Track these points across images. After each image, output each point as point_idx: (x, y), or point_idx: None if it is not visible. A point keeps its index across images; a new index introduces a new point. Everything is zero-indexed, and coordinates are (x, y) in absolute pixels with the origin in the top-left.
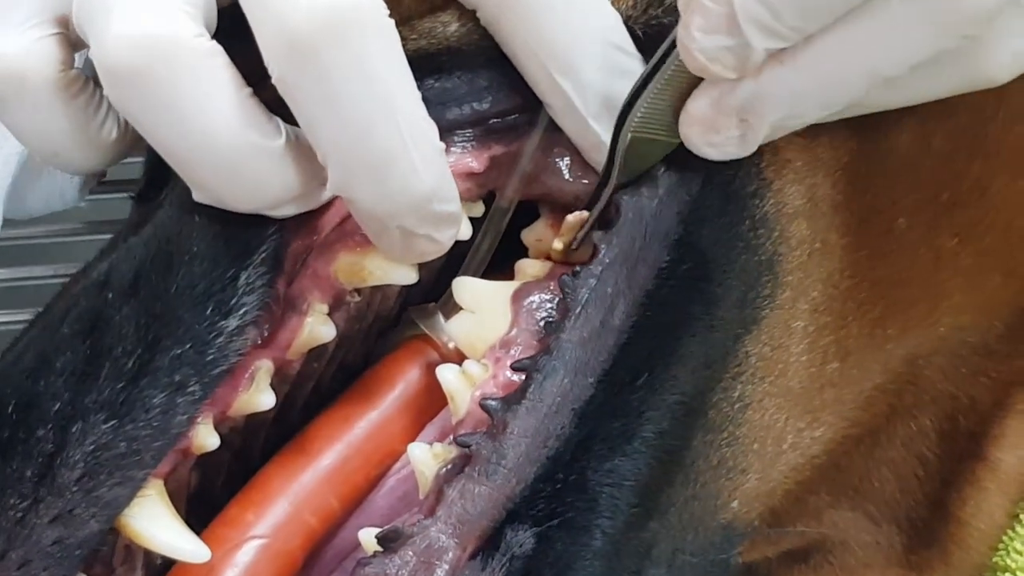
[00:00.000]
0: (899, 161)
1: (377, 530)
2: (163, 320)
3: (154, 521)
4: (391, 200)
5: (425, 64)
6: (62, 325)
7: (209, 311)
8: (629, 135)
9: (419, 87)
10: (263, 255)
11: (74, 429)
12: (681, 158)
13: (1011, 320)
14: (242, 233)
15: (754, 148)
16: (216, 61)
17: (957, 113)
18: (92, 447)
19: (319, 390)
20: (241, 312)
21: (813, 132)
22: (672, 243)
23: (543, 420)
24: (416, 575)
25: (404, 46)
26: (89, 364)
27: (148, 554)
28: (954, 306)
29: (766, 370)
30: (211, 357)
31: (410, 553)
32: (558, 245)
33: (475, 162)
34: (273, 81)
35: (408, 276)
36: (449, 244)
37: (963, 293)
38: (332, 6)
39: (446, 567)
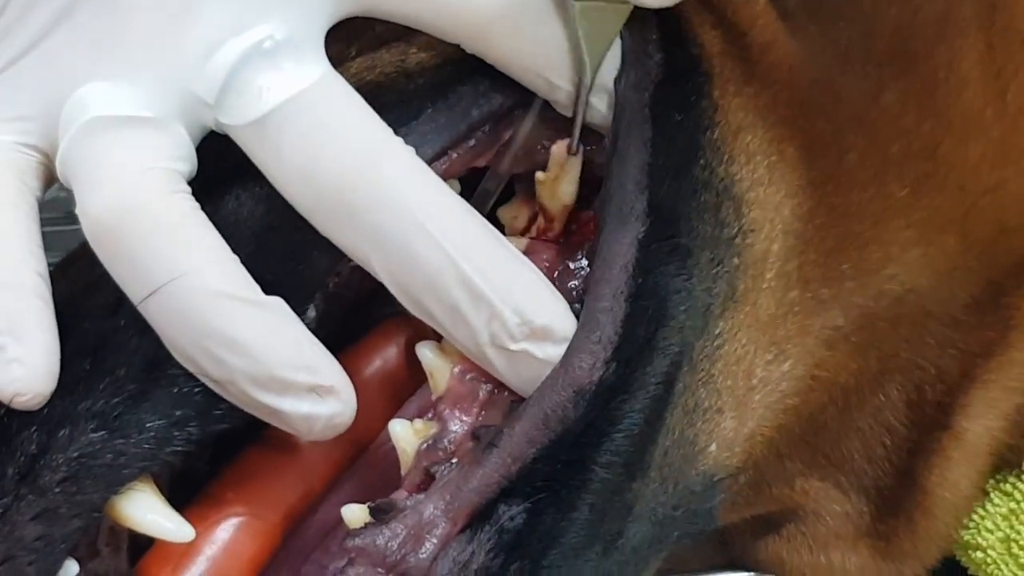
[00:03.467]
0: (849, 107)
1: (359, 506)
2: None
3: (139, 503)
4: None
5: (433, 78)
6: (63, 344)
7: None
8: (575, 4)
9: (440, 100)
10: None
11: (61, 434)
12: (624, 128)
13: (975, 291)
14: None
15: None
16: (188, 220)
17: (908, 74)
18: (77, 454)
19: None
20: None
21: (753, 54)
22: (641, 212)
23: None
24: (405, 547)
25: (405, 60)
26: (89, 378)
27: (133, 532)
28: (910, 262)
29: (745, 300)
30: (220, 411)
31: (400, 526)
32: (541, 176)
33: (483, 159)
34: None
35: None
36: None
37: (918, 249)
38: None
39: (435, 541)
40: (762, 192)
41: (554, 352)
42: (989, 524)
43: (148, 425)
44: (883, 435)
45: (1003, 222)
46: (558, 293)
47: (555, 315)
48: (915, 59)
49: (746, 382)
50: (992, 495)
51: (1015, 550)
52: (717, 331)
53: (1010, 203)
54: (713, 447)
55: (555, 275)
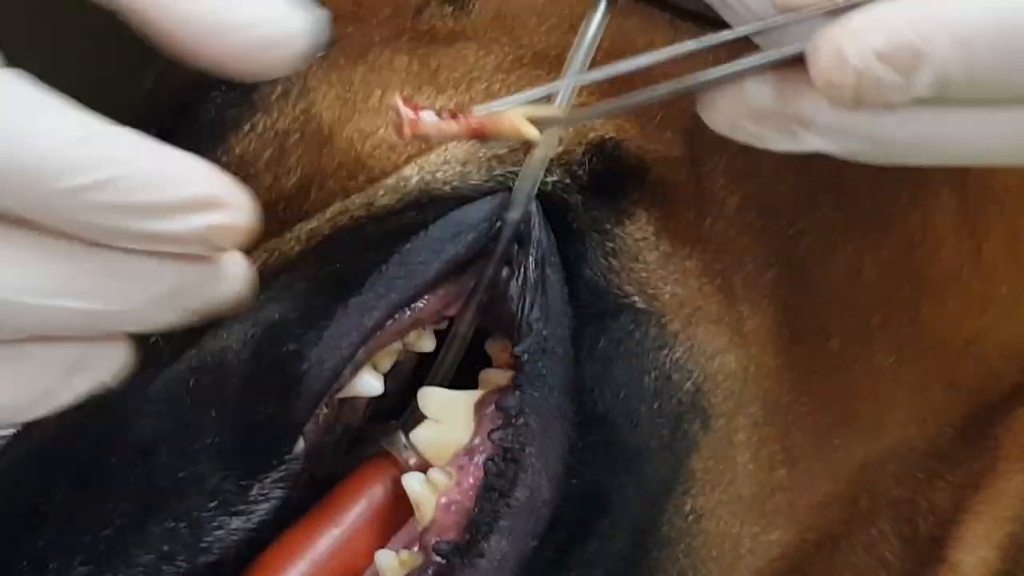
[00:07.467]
0: (829, 291)
1: None
2: (168, 495)
3: None
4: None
5: (397, 222)
6: (56, 473)
7: (214, 505)
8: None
9: (403, 245)
10: (283, 472)
11: (50, 567)
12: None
13: (961, 426)
14: (264, 435)
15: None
16: None
17: (886, 243)
18: None
19: (290, 504)
20: (247, 516)
21: (724, 267)
22: (575, 422)
23: None
24: None
25: (372, 205)
26: (79, 511)
27: None
28: (899, 420)
29: (715, 481)
30: (205, 544)
31: None
32: None
33: (453, 308)
34: None
35: (374, 387)
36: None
37: (907, 408)
38: None
39: None
40: (734, 404)
41: None
42: None
43: (138, 560)
44: (878, 569)
45: (987, 367)
46: None
47: None
48: (890, 224)
49: (734, 552)
50: None
51: None
52: (688, 508)
53: (991, 349)
54: None
55: None
